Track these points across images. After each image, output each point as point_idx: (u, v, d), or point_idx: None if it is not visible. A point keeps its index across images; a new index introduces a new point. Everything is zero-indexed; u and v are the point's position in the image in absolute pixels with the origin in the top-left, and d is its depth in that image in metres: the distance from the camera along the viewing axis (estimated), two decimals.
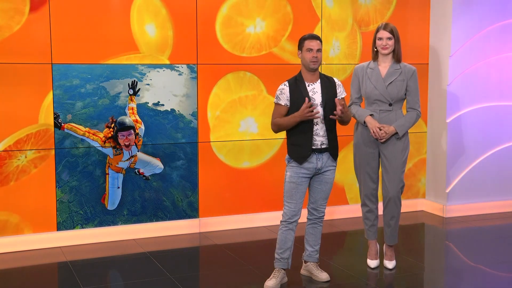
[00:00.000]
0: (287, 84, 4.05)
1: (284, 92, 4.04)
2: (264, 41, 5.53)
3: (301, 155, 4.01)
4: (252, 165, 5.59)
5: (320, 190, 4.15)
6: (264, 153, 5.63)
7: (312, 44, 3.98)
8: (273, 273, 4.14)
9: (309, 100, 3.93)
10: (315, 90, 4.04)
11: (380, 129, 4.30)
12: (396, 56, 4.39)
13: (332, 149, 4.08)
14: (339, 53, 5.79)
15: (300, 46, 4.04)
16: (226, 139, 5.47)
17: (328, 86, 4.07)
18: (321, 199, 4.17)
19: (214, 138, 5.42)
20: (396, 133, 4.34)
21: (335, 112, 3.95)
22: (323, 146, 4.04)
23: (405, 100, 4.46)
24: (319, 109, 4.00)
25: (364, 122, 4.36)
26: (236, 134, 5.50)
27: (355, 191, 5.94)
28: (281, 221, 4.13)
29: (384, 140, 4.33)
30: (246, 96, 5.49)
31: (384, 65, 4.41)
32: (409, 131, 4.46)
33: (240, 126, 5.51)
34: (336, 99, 3.97)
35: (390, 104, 4.37)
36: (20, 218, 4.89)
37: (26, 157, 4.85)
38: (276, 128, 4.09)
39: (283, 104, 4.05)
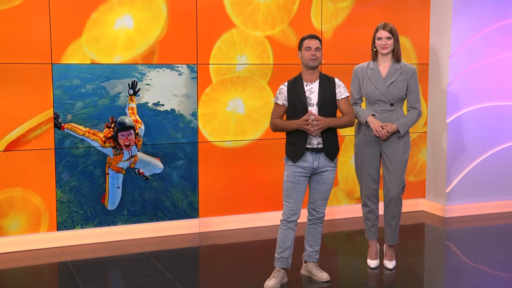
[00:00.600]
0: (286, 84, 4.11)
1: (282, 92, 4.10)
2: (276, 12, 5.53)
3: (295, 153, 4.06)
4: (235, 145, 5.56)
5: (318, 190, 4.16)
6: (248, 134, 5.61)
7: (310, 43, 4.02)
8: (273, 273, 4.14)
9: (309, 113, 3.98)
10: (312, 90, 4.06)
11: (383, 128, 4.30)
12: (396, 56, 4.39)
13: (328, 150, 4.08)
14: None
15: (300, 46, 4.08)
16: (213, 116, 5.44)
17: (327, 86, 4.08)
18: (320, 199, 4.18)
19: (201, 113, 5.39)
20: (398, 131, 4.34)
21: (309, 123, 3.96)
22: (320, 146, 4.06)
23: (406, 100, 4.46)
24: (315, 109, 4.03)
25: (366, 122, 4.36)
26: (223, 113, 5.49)
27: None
28: (280, 220, 4.14)
29: (385, 138, 4.34)
30: (237, 77, 5.49)
31: (384, 65, 4.41)
32: (409, 131, 4.46)
33: (228, 105, 5.50)
34: (310, 111, 3.99)
35: (392, 104, 4.37)
36: (23, 190, 4.91)
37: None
38: (275, 128, 4.15)
39: (280, 103, 4.11)
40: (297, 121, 4.00)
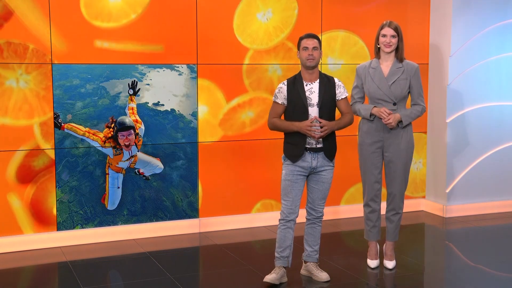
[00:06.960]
0: (286, 83, 4.10)
1: (281, 91, 4.09)
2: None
3: (294, 153, 4.06)
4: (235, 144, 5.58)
5: (316, 190, 4.16)
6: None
7: (308, 42, 4.02)
8: (273, 270, 4.15)
9: (317, 121, 3.98)
10: (312, 90, 4.06)
11: (389, 114, 4.28)
12: (399, 55, 4.38)
13: (327, 150, 4.09)
14: None
15: (298, 46, 4.09)
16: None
17: (327, 86, 4.08)
18: (318, 199, 4.18)
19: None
20: (401, 121, 4.32)
21: (314, 129, 3.96)
22: (318, 146, 4.06)
23: (409, 98, 4.45)
24: (315, 109, 4.03)
25: (371, 115, 4.34)
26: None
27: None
28: (279, 220, 4.15)
29: (392, 126, 4.30)
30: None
31: (386, 64, 4.41)
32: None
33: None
34: (315, 116, 3.99)
35: (395, 104, 4.37)
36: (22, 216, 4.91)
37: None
38: (273, 127, 4.14)
39: (280, 102, 4.10)
40: (298, 124, 3.99)
